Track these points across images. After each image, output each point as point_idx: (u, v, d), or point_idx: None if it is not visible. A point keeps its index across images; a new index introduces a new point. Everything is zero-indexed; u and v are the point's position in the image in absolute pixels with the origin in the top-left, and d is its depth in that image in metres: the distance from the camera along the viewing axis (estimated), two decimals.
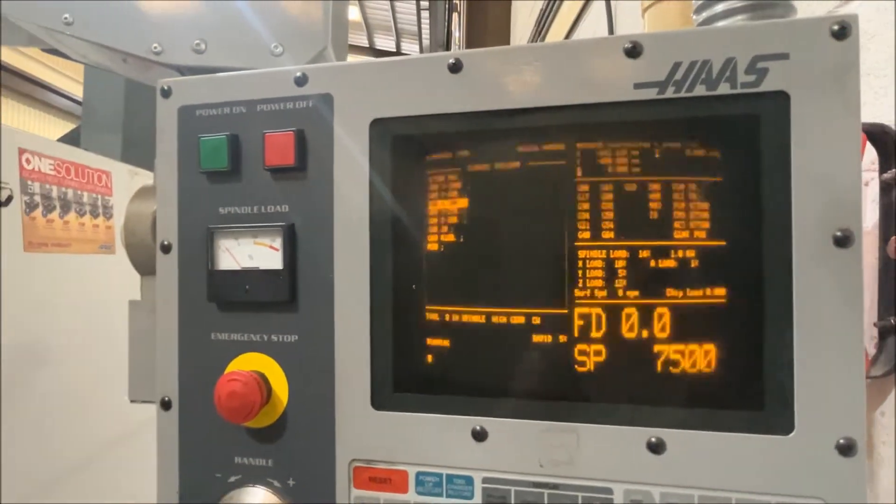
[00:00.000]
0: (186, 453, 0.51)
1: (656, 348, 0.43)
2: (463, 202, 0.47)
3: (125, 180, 1.13)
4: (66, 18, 0.51)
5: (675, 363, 0.43)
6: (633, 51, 0.43)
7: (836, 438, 0.39)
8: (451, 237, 0.47)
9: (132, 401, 0.56)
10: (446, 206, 0.47)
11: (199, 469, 0.51)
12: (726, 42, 0.41)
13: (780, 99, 0.40)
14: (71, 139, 1.74)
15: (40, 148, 0.91)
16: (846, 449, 0.39)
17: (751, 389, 0.41)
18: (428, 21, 6.42)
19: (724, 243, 0.42)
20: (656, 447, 0.42)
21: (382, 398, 0.47)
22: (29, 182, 0.88)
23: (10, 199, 0.83)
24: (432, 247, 0.47)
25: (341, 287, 0.48)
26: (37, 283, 0.91)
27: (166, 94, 0.52)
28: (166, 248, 0.52)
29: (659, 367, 0.43)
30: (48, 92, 6.58)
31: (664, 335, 0.43)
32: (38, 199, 0.89)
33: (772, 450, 0.40)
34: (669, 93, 0.42)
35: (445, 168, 0.47)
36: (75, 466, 0.99)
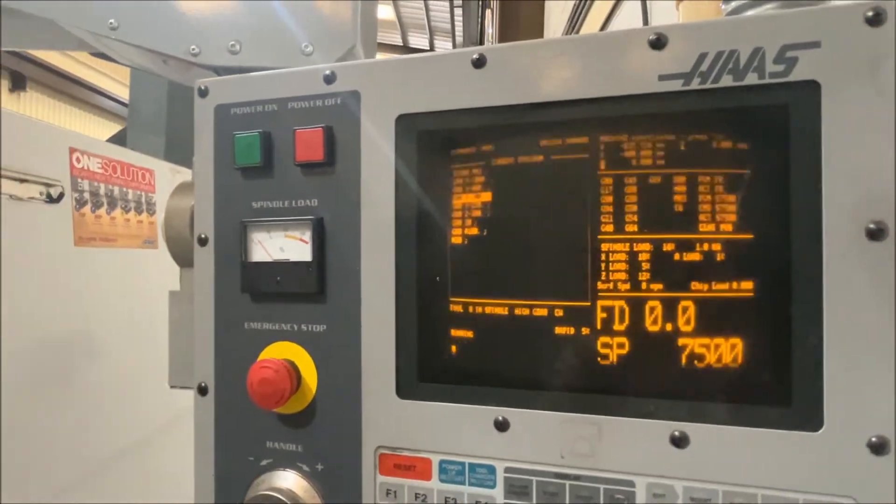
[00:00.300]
0: (221, 437, 0.54)
1: (681, 342, 0.43)
2: (487, 196, 0.48)
3: (167, 178, 1.18)
4: (111, 23, 0.54)
5: (700, 357, 0.42)
6: (658, 42, 0.43)
7: (868, 436, 0.38)
8: (474, 230, 0.48)
9: (172, 386, 0.59)
10: (470, 199, 0.48)
11: (233, 452, 0.53)
12: (754, 31, 0.41)
13: (811, 88, 0.40)
14: (118, 139, 1.83)
15: (89, 147, 0.96)
16: (878, 447, 0.38)
17: (779, 385, 0.41)
18: (461, 19, 6.43)
19: (751, 236, 0.42)
20: (679, 441, 0.42)
21: (407, 387, 0.48)
22: (79, 179, 0.93)
23: (61, 195, 0.88)
24: (456, 240, 0.48)
25: (367, 279, 0.49)
26: (86, 276, 0.96)
27: (203, 93, 0.54)
28: (203, 241, 0.54)
29: (683, 361, 0.43)
30: (97, 95, 6.87)
31: (689, 329, 0.43)
32: (87, 195, 0.94)
33: (800, 446, 0.40)
34: (695, 84, 0.42)
35: (469, 162, 0.48)
36: (123, 452, 1.04)
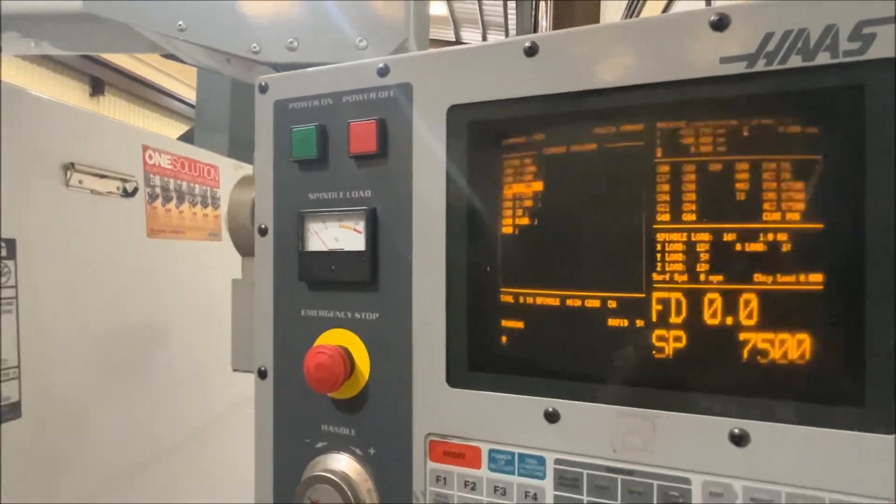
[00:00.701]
0: (280, 419, 0.56)
1: (742, 336, 0.41)
2: (538, 185, 0.47)
3: (230, 174, 1.23)
4: (180, 25, 0.58)
5: (764, 352, 0.40)
6: (720, 23, 0.41)
7: None
8: (525, 220, 0.48)
9: (234, 370, 0.62)
10: (521, 189, 0.48)
11: (290, 434, 0.55)
12: (826, 8, 0.38)
13: (889, 67, 0.37)
14: (186, 138, 1.93)
15: (160, 145, 1.02)
16: None
17: (850, 383, 0.38)
18: (514, 12, 6.36)
19: (821, 226, 0.39)
20: (739, 439, 0.40)
21: (457, 376, 0.49)
22: (151, 175, 0.99)
23: (135, 190, 0.94)
24: (507, 230, 0.48)
25: (419, 268, 0.50)
26: (157, 266, 1.02)
27: (263, 89, 0.57)
28: (263, 232, 0.57)
29: (745, 356, 0.41)
30: (167, 97, 7.28)
31: (751, 323, 0.41)
32: (158, 190, 1.00)
33: (873, 449, 0.37)
34: (760, 66, 0.40)
35: (521, 152, 0.48)
36: (191, 433, 1.10)
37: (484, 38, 7.95)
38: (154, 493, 0.98)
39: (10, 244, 0.72)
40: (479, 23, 7.44)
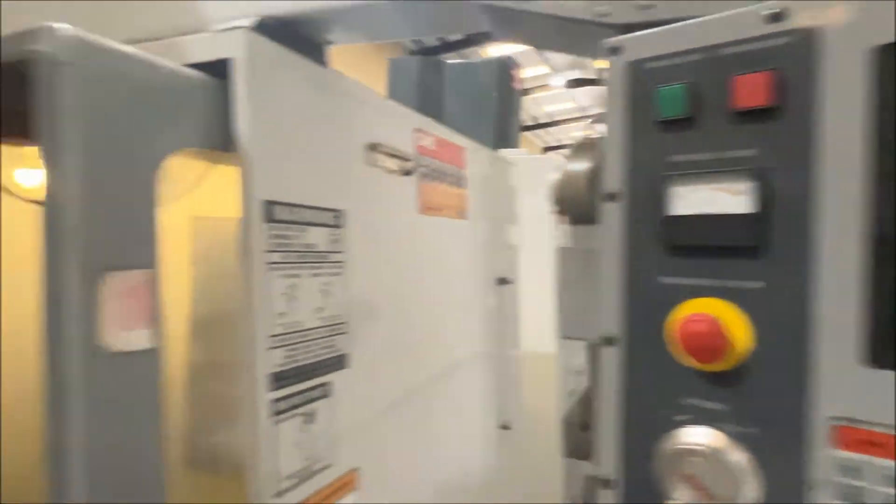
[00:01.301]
0: (632, 388, 0.55)
1: None
2: None
3: (474, 154, 1.28)
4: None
5: None
6: None
7: None
8: None
9: (564, 337, 0.62)
10: None
11: (644, 404, 0.54)
12: None
13: None
14: None
15: (426, 126, 1.08)
16: None
17: None
18: None
19: None
20: None
21: (882, 356, 0.43)
22: (421, 156, 1.05)
23: (412, 169, 1.01)
24: None
25: (826, 234, 0.45)
26: (424, 241, 1.09)
27: (616, 51, 0.55)
28: (612, 197, 0.56)
29: None
30: None
31: None
32: (425, 170, 1.06)
33: None
34: None
35: None
36: (412, 390, 1.10)
37: None
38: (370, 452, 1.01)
39: (341, 214, 0.80)
40: None
